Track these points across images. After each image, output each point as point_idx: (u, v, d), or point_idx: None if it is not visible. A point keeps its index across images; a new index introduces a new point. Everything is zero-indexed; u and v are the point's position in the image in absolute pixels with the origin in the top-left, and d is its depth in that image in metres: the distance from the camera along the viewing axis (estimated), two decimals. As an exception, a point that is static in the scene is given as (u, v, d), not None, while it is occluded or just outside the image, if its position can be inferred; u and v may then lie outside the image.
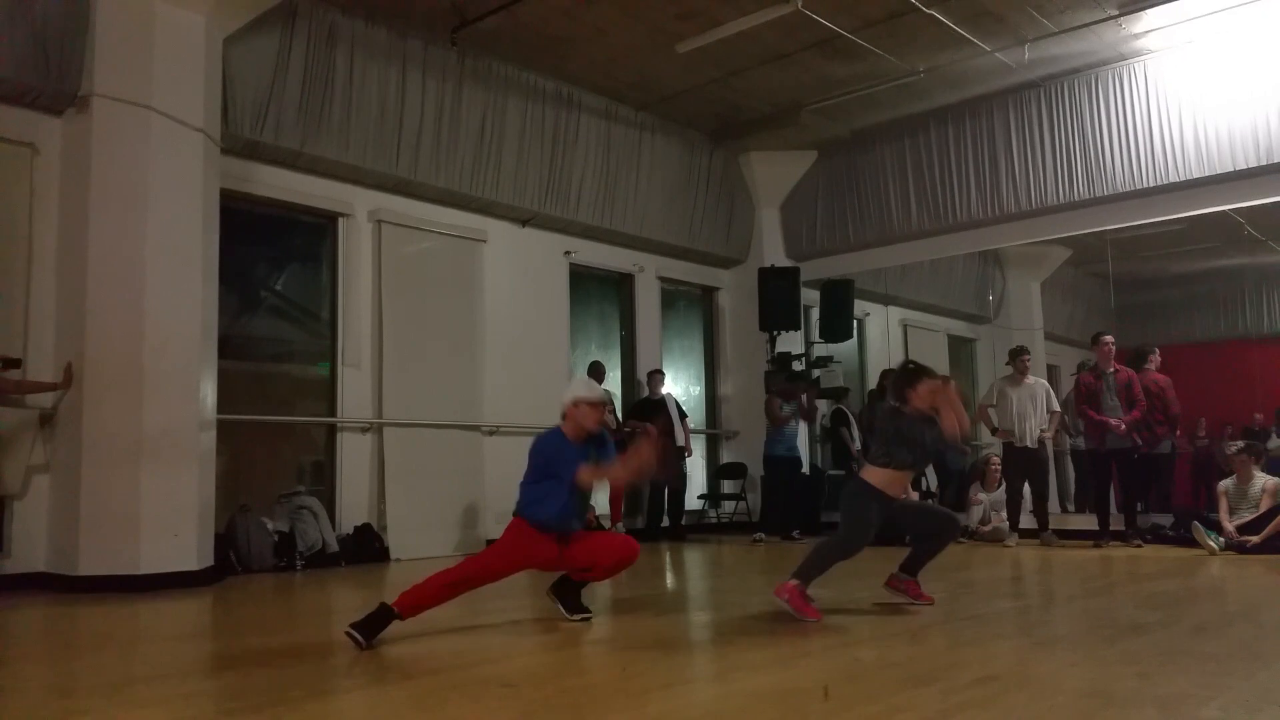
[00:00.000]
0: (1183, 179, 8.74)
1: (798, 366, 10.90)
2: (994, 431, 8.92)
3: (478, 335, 9.07)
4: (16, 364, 6.17)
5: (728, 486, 11.37)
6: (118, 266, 6.12)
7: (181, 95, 6.36)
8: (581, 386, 4.66)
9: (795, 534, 9.75)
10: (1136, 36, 8.63)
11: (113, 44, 6.25)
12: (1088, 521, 8.72)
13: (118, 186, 6.18)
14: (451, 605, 5.29)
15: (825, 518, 10.63)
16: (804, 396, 10.21)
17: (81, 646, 4.31)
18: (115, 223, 6.15)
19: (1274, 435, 9.85)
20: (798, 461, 10.12)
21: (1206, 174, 8.61)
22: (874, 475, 4.53)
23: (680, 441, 9.96)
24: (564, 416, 4.56)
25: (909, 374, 4.65)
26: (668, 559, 8.04)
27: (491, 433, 9.06)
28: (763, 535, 9.72)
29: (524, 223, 9.60)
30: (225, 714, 2.86)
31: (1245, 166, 8.41)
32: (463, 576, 4.09)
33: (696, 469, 11.25)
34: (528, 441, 9.52)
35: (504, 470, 8.84)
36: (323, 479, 8.16)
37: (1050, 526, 8.63)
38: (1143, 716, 2.54)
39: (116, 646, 4.25)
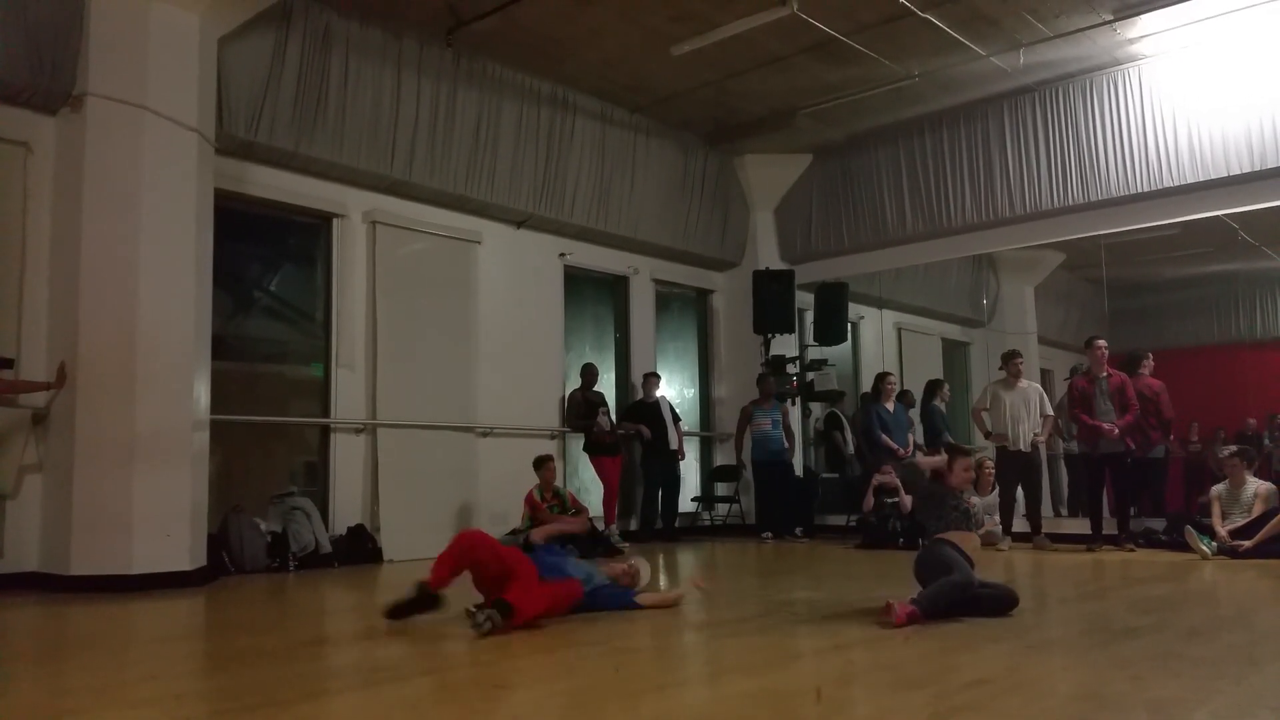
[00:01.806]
0: (1177, 184, 8.77)
1: (792, 370, 10.92)
2: (987, 435, 8.94)
3: (472, 337, 9.07)
4: (9, 364, 6.16)
5: (721, 489, 11.38)
6: (111, 266, 6.10)
7: (176, 95, 6.35)
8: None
9: (798, 531, 9.96)
10: (1131, 41, 8.66)
11: (107, 43, 6.23)
12: (1080, 525, 8.74)
13: (111, 186, 6.16)
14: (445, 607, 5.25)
15: (819, 520, 10.67)
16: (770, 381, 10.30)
17: (74, 647, 4.30)
18: (109, 222, 6.13)
19: (1266, 440, 9.89)
20: (779, 465, 10.09)
21: (1200, 179, 8.64)
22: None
23: (674, 444, 9.98)
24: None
25: (950, 451, 4.80)
26: (661, 561, 8.04)
27: (485, 434, 9.05)
28: (770, 535, 9.83)
29: (519, 224, 9.60)
30: (218, 714, 2.85)
31: (1239, 172, 8.44)
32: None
33: (690, 471, 11.26)
34: (522, 443, 9.56)
35: (498, 472, 8.87)
36: (316, 480, 8.15)
37: (1043, 530, 8.65)
38: (1134, 720, 2.55)
39: (109, 647, 4.24)
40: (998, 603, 4.49)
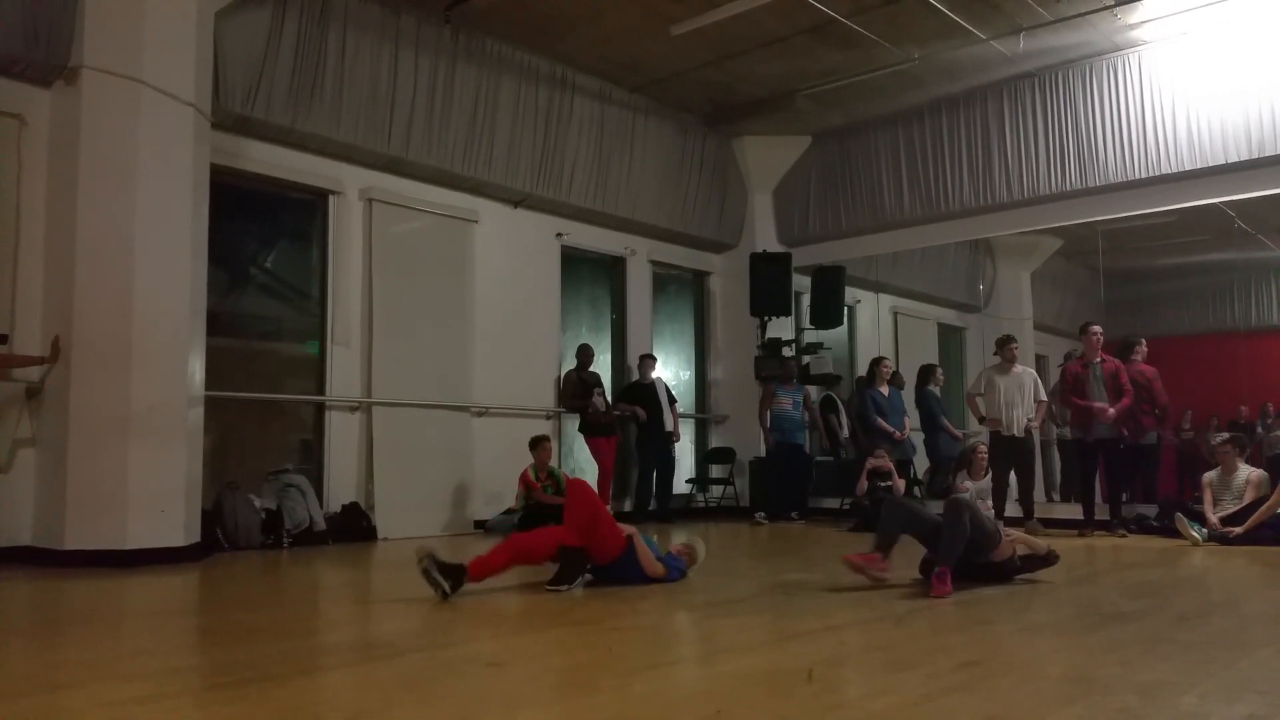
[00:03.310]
0: (1174, 171, 8.76)
1: (788, 352, 10.93)
2: (981, 420, 8.96)
3: (468, 316, 9.05)
4: (3, 340, 6.14)
5: (716, 471, 11.40)
6: (106, 241, 6.07)
7: (172, 69, 6.30)
8: None
9: (794, 515, 10.06)
10: (1131, 27, 8.63)
11: (103, 15, 6.17)
12: (1073, 511, 8.78)
13: (107, 160, 6.13)
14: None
15: (812, 502, 10.70)
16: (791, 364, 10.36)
17: (68, 621, 4.30)
18: (104, 197, 6.09)
19: (1258, 428, 9.92)
20: (792, 446, 10.19)
21: (1198, 166, 8.64)
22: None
23: (669, 426, 10.00)
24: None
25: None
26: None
27: (481, 414, 9.05)
28: (764, 516, 9.90)
29: (516, 204, 9.57)
30: (212, 689, 2.86)
31: (1237, 159, 8.43)
32: None
33: (685, 453, 11.27)
34: (517, 423, 9.60)
35: (492, 451, 8.88)
36: (311, 457, 8.15)
37: (1035, 515, 8.68)
38: (1123, 703, 2.56)
39: (103, 622, 4.24)
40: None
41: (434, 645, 3.46)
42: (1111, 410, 8.14)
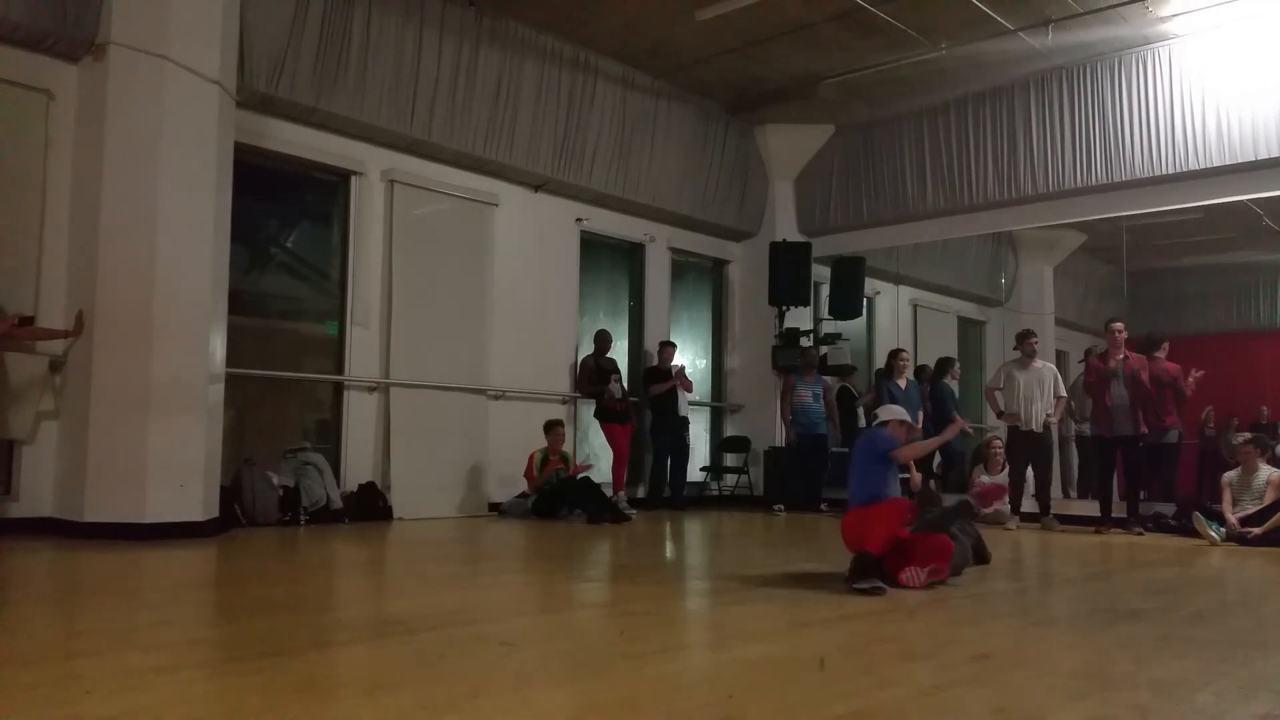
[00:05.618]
0: (1202, 167, 8.64)
1: (805, 343, 10.90)
2: (1000, 414, 8.92)
3: (486, 299, 9.07)
4: (30, 321, 6.19)
5: (730, 460, 11.40)
6: (130, 216, 6.11)
7: (198, 46, 6.32)
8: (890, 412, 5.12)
9: (823, 506, 10.05)
10: (1162, 20, 8.52)
11: (130, -8, 6.21)
12: (1089, 507, 8.74)
13: (132, 136, 6.16)
14: (453, 564, 5.35)
15: (827, 494, 10.66)
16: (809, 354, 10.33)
17: (87, 592, 4.35)
18: (129, 172, 6.13)
19: (1280, 429, 9.84)
20: (815, 438, 10.15)
21: (1227, 163, 8.52)
22: None
23: (683, 412, 10.01)
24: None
25: None
26: (668, 529, 8.08)
27: (497, 397, 9.08)
28: (782, 507, 9.88)
29: (536, 188, 9.57)
30: (228, 660, 2.89)
31: (1267, 156, 8.31)
32: None
33: (700, 441, 11.27)
34: (533, 407, 9.65)
35: (508, 434, 8.92)
36: (329, 436, 8.20)
37: (1051, 511, 8.65)
38: (1136, 698, 2.55)
39: (121, 593, 4.29)
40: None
41: (448, 624, 3.49)
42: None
